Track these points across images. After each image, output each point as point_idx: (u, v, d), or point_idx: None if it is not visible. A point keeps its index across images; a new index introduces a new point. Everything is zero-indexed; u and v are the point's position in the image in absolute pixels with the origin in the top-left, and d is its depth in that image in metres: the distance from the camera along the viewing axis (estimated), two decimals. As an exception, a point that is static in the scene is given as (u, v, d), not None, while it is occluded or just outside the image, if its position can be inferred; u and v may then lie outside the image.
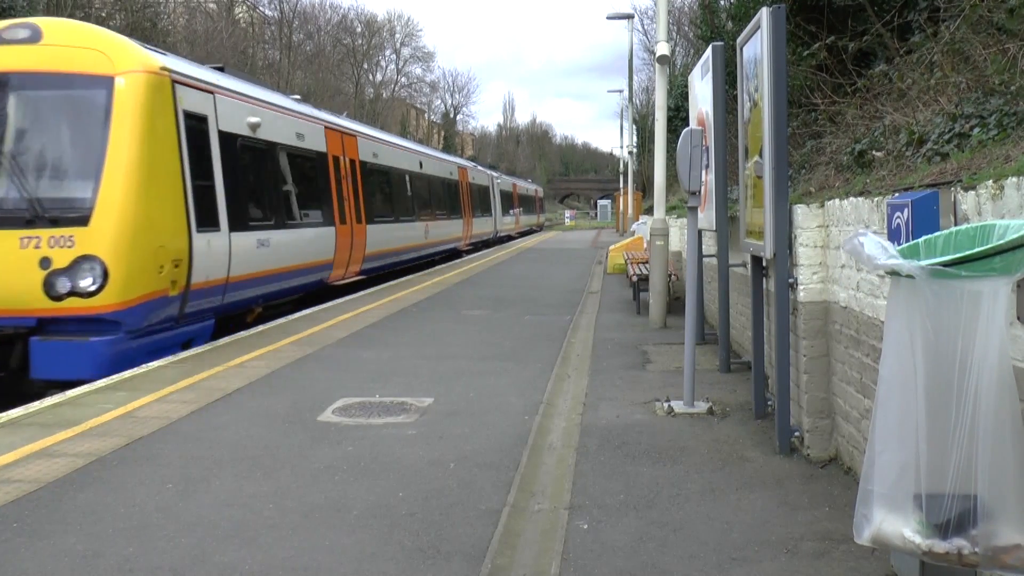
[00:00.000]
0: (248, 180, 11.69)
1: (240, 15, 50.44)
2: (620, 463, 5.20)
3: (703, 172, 6.97)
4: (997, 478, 2.70)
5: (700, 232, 8.74)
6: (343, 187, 15.69)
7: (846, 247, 3.08)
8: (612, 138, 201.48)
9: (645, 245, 18.80)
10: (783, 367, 5.38)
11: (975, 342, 2.67)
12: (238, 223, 10.92)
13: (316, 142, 14.69)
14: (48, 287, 8.12)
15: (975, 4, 6.22)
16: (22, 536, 4.11)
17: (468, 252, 30.48)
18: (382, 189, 19.20)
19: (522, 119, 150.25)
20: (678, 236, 14.43)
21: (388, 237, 18.66)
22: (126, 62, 8.89)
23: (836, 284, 5.11)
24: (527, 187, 59.32)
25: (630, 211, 38.44)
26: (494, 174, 41.06)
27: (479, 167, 38.20)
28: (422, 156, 24.07)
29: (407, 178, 21.40)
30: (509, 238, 43.60)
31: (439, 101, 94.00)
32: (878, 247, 2.91)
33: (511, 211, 45.85)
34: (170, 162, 9.25)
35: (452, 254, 27.80)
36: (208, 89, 10.60)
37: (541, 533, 4.13)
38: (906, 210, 3.66)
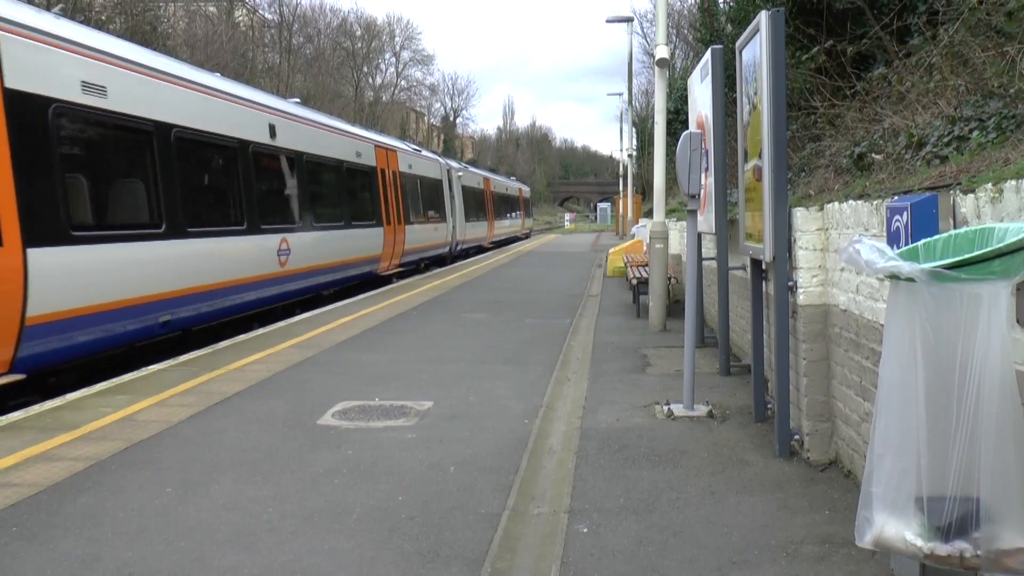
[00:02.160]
0: None
1: (240, 18, 50.48)
2: (620, 467, 5.19)
3: (702, 175, 6.97)
4: (999, 481, 2.69)
5: (700, 235, 8.74)
6: None
7: (843, 257, 3.07)
8: (612, 141, 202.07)
9: (645, 248, 18.80)
10: (783, 370, 5.37)
11: (975, 345, 2.66)
12: None
13: None
14: None
15: (974, 7, 6.23)
16: (21, 540, 4.11)
17: (399, 276, 20.44)
18: (128, 169, 9.56)
19: (522, 122, 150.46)
20: (678, 239, 14.43)
21: (135, 276, 9.14)
22: None
23: (836, 287, 5.10)
24: (506, 184, 47.11)
25: (630, 214, 38.44)
26: (454, 164, 30.61)
27: (425, 152, 27.30)
28: (275, 117, 13.36)
29: (229, 154, 11.66)
30: (480, 250, 33.99)
31: (439, 104, 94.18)
32: (875, 251, 2.90)
33: (481, 215, 35.11)
34: None
35: (367, 282, 18.07)
36: None
37: (541, 537, 4.12)
38: (905, 213, 3.66)
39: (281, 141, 13.46)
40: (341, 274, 16.18)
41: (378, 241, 18.45)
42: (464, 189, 30.77)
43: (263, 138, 12.81)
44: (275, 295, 13.00)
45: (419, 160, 24.12)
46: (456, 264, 25.30)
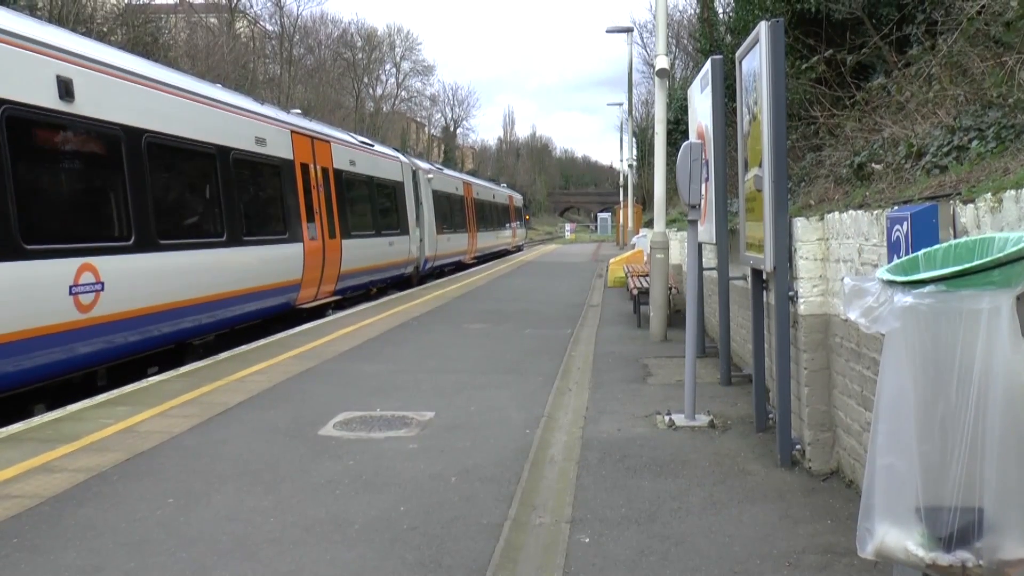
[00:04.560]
0: None
1: (241, 30, 50.66)
2: (621, 476, 5.19)
3: (703, 185, 6.99)
4: (1003, 491, 2.69)
5: (700, 245, 8.76)
6: None
7: (851, 314, 3.05)
8: (612, 151, 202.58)
9: (645, 258, 18.83)
10: (784, 380, 5.38)
11: (976, 356, 2.66)
12: None
13: None
14: None
15: (972, 17, 6.25)
16: (22, 551, 4.10)
17: (338, 306, 15.99)
18: None
19: (523, 133, 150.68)
20: (678, 249, 14.45)
21: None
22: None
23: (836, 297, 5.11)
24: (493, 190, 41.91)
25: (630, 224, 38.50)
26: (422, 165, 25.69)
27: (380, 147, 22.02)
28: (73, 67, 8.37)
29: None
30: (460, 267, 29.59)
31: (439, 115, 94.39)
32: (865, 304, 2.91)
33: (460, 226, 30.24)
34: None
35: (281, 318, 13.56)
36: None
37: (543, 547, 4.12)
38: (905, 223, 3.67)
39: (87, 107, 8.49)
40: (222, 313, 11.16)
41: (294, 263, 13.56)
42: (437, 195, 26.05)
43: (41, 98, 7.88)
44: (69, 359, 8.10)
45: (368, 156, 19.05)
46: (423, 287, 21.04)
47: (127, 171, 9.10)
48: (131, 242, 9.03)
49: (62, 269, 7.88)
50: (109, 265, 8.54)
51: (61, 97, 8.10)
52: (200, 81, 12.79)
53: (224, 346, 11.02)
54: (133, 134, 9.27)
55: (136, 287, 9.03)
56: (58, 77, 8.09)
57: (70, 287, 7.93)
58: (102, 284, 8.38)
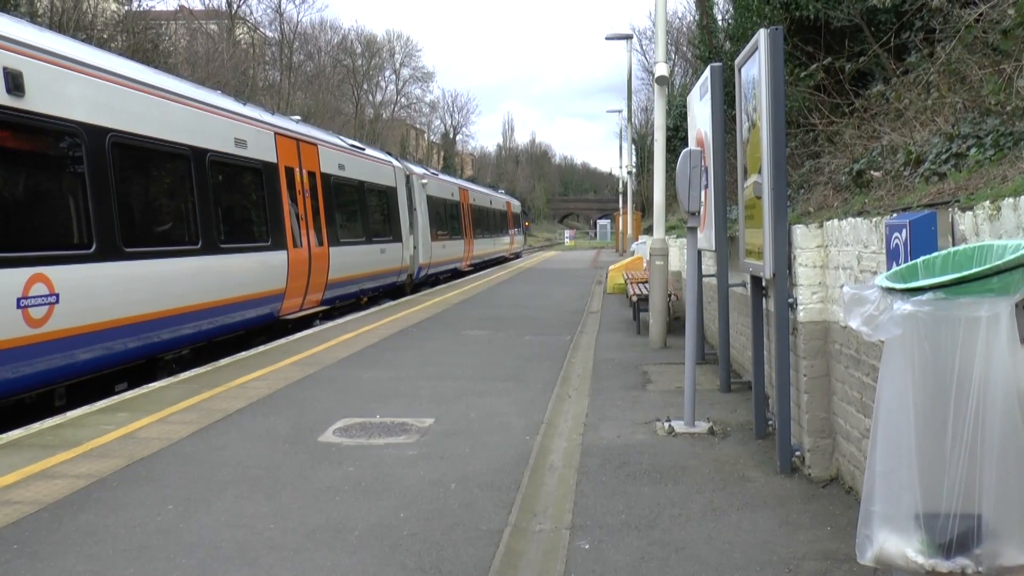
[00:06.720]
0: None
1: (241, 36, 50.74)
2: (621, 483, 5.19)
3: (702, 192, 7.00)
4: (1002, 498, 2.69)
5: (699, 252, 8.77)
6: None
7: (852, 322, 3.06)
8: (611, 158, 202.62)
9: (645, 265, 18.83)
10: (783, 387, 5.38)
11: (975, 363, 2.67)
12: None
13: None
14: None
15: (970, 25, 6.29)
16: (22, 558, 4.10)
17: (325, 316, 15.43)
18: None
19: (522, 139, 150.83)
20: (678, 256, 14.46)
21: None
22: None
23: (836, 304, 5.12)
24: (491, 196, 41.18)
25: (629, 231, 38.50)
26: (416, 169, 25.08)
27: (371, 151, 21.01)
28: (21, 57, 7.54)
29: None
30: (456, 274, 28.98)
31: (439, 121, 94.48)
32: (864, 312, 2.92)
33: (456, 233, 29.43)
34: None
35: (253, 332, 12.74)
36: None
37: (543, 553, 4.12)
38: (904, 230, 3.69)
39: (41, 103, 7.76)
40: (197, 325, 10.47)
41: (278, 272, 12.89)
42: (432, 200, 25.31)
43: None
44: (16, 379, 7.41)
45: (359, 160, 18.29)
46: (420, 294, 20.66)
47: (88, 173, 8.40)
48: (92, 250, 8.32)
49: (8, 279, 7.17)
50: (65, 275, 7.84)
51: (9, 91, 7.34)
52: (174, 78, 12.09)
53: (201, 361, 10.41)
54: (95, 133, 8.55)
55: (97, 299, 8.35)
56: (5, 69, 7.33)
57: (18, 299, 7.23)
58: (57, 296, 7.67)
